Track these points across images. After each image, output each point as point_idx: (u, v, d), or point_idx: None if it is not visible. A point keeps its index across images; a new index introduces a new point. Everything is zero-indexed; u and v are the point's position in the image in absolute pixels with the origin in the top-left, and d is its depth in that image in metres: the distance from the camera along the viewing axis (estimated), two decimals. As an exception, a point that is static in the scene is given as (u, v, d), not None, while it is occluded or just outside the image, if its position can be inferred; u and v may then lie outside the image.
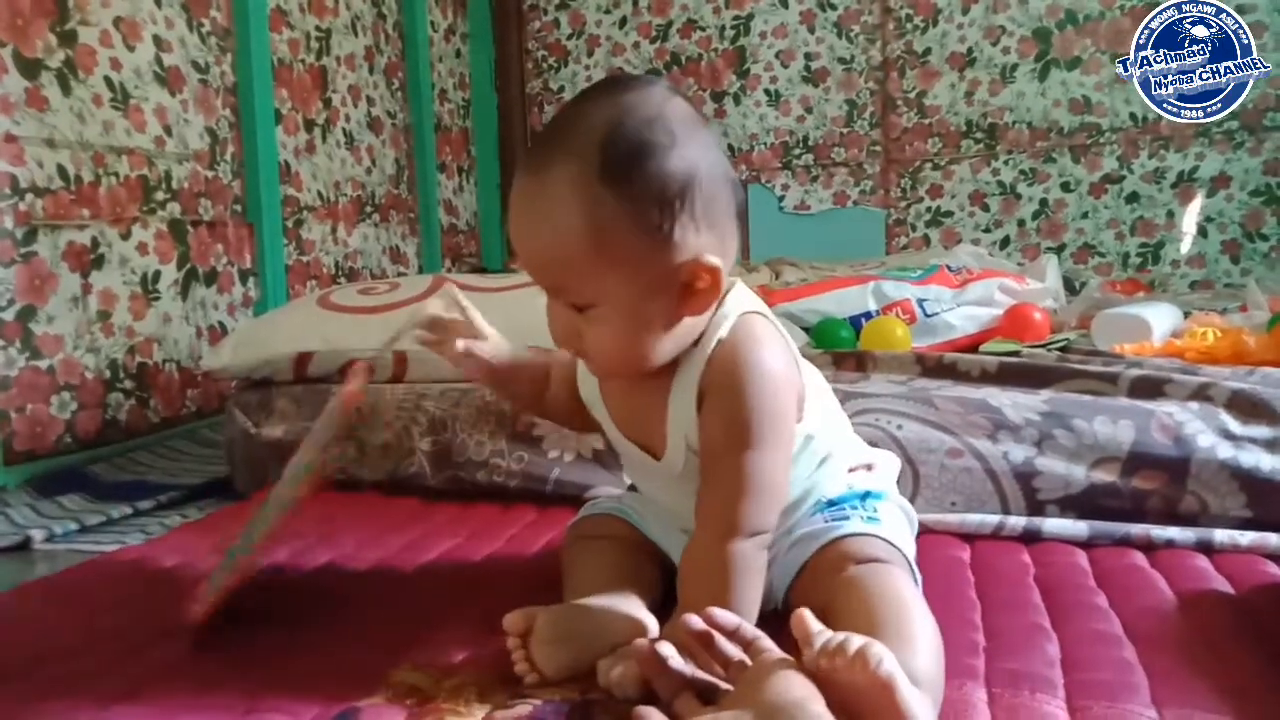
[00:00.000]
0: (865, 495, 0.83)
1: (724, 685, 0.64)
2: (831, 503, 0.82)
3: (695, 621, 0.64)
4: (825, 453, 0.81)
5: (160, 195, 1.89)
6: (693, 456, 0.75)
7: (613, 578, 0.80)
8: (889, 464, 0.91)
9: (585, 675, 0.70)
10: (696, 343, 0.72)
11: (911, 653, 0.62)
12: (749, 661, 0.63)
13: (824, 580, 0.75)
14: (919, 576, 0.79)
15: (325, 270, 2.44)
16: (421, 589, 0.93)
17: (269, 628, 0.85)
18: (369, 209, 2.65)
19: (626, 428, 0.81)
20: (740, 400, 0.70)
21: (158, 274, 1.88)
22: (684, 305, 0.70)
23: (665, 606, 0.79)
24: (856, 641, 0.58)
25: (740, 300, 0.75)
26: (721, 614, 0.65)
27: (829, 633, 0.60)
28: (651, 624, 0.75)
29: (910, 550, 0.80)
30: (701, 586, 0.70)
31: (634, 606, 0.77)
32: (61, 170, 1.67)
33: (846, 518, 0.79)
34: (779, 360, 0.72)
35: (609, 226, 0.66)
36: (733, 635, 0.64)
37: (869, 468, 0.88)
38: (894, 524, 0.81)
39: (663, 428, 0.75)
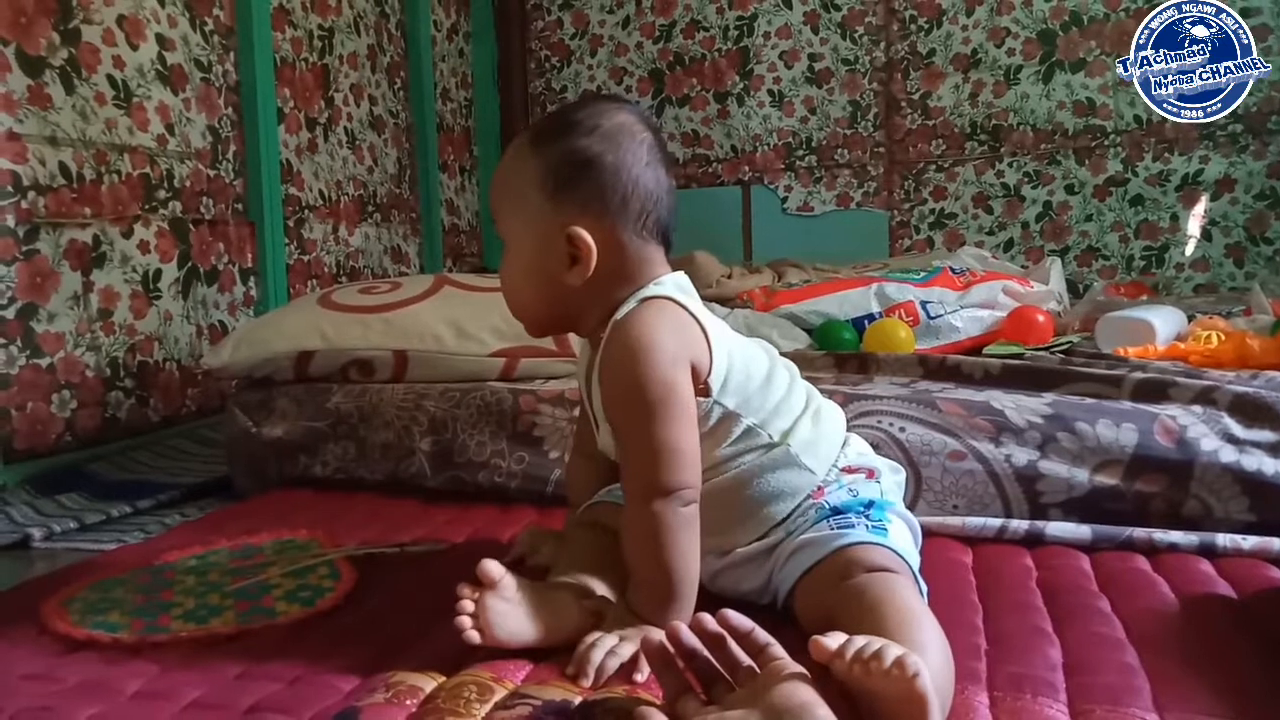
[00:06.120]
0: (869, 504, 0.83)
1: (729, 678, 0.63)
2: (836, 510, 0.82)
3: (710, 622, 0.64)
4: (766, 439, 0.83)
5: (162, 194, 1.89)
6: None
7: (589, 564, 0.84)
8: (894, 474, 0.91)
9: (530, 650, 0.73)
10: (605, 332, 0.79)
11: (923, 660, 0.61)
12: (758, 669, 0.62)
13: (831, 586, 0.75)
14: (925, 588, 0.79)
15: (326, 269, 2.44)
16: (421, 589, 0.93)
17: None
18: (371, 208, 2.65)
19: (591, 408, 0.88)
20: (627, 374, 0.76)
21: (159, 272, 1.88)
22: (567, 271, 0.79)
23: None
24: (893, 651, 0.57)
25: (653, 289, 0.80)
26: (736, 617, 0.64)
27: (861, 639, 0.59)
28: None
29: (915, 562, 0.80)
30: (638, 547, 0.76)
31: (599, 587, 0.80)
32: (64, 168, 1.67)
33: (852, 526, 0.80)
34: (663, 335, 0.77)
35: (523, 178, 0.81)
36: (745, 639, 0.63)
37: (870, 473, 0.87)
38: (900, 535, 0.81)
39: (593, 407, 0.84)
